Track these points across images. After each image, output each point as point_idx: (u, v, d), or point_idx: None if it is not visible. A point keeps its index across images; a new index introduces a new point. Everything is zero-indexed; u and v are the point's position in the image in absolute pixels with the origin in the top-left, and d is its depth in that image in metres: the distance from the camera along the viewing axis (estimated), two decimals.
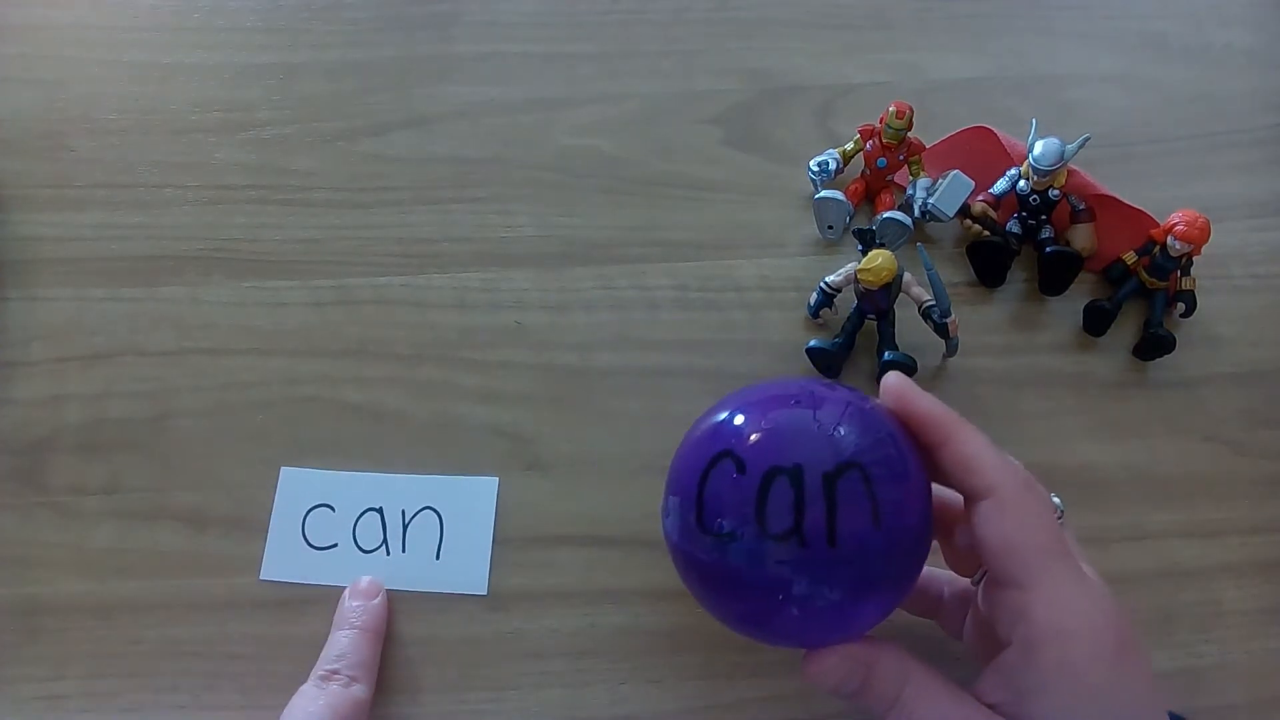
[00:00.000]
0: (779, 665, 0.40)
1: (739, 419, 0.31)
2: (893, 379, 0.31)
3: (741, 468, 0.29)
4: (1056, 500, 0.32)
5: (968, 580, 0.35)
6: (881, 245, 0.44)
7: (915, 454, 0.31)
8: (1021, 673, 0.27)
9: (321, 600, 0.41)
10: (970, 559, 0.33)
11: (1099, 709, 0.26)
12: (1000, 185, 0.48)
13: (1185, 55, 0.57)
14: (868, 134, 0.50)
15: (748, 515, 0.28)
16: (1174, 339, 0.46)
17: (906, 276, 0.44)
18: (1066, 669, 0.26)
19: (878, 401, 0.32)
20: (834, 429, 0.30)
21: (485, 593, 0.41)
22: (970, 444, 0.29)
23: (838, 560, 0.28)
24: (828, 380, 0.33)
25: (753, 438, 0.30)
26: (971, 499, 0.29)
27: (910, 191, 0.50)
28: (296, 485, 0.43)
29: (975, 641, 0.34)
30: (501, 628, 0.41)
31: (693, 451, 0.31)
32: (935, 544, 0.34)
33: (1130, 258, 0.47)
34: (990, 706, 0.28)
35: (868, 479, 0.28)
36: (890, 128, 0.48)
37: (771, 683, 0.40)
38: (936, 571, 0.36)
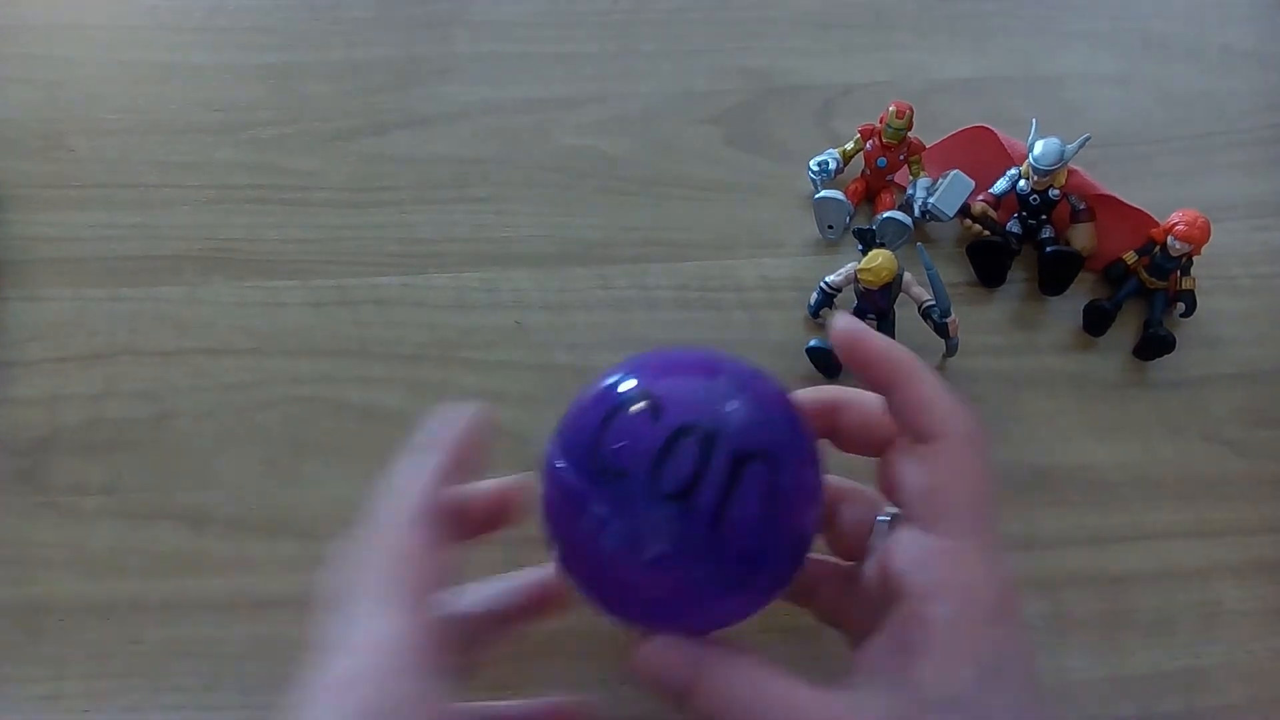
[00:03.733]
0: (779, 665, 0.40)
1: (663, 373, 0.30)
2: (843, 321, 0.30)
3: (657, 415, 0.27)
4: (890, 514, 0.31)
5: (843, 563, 0.33)
6: (881, 245, 0.44)
7: (818, 452, 0.30)
8: (912, 628, 0.26)
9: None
10: (855, 540, 0.32)
11: (982, 671, 0.25)
12: (1000, 185, 0.48)
13: (1185, 55, 0.57)
14: (868, 134, 0.50)
15: (644, 461, 0.27)
16: (1174, 339, 0.46)
17: (906, 276, 0.44)
18: (960, 625, 0.25)
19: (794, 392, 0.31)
20: (756, 409, 0.28)
21: None
22: (924, 386, 0.29)
23: (717, 542, 0.27)
24: (743, 360, 0.31)
25: (675, 391, 0.28)
26: (916, 439, 0.29)
27: (910, 191, 0.50)
28: None
29: (856, 623, 0.31)
30: None
31: (607, 390, 0.29)
32: None
33: (1130, 258, 0.47)
34: (867, 676, 0.27)
35: (775, 471, 0.27)
36: (890, 127, 0.48)
37: None
38: (812, 557, 0.35)
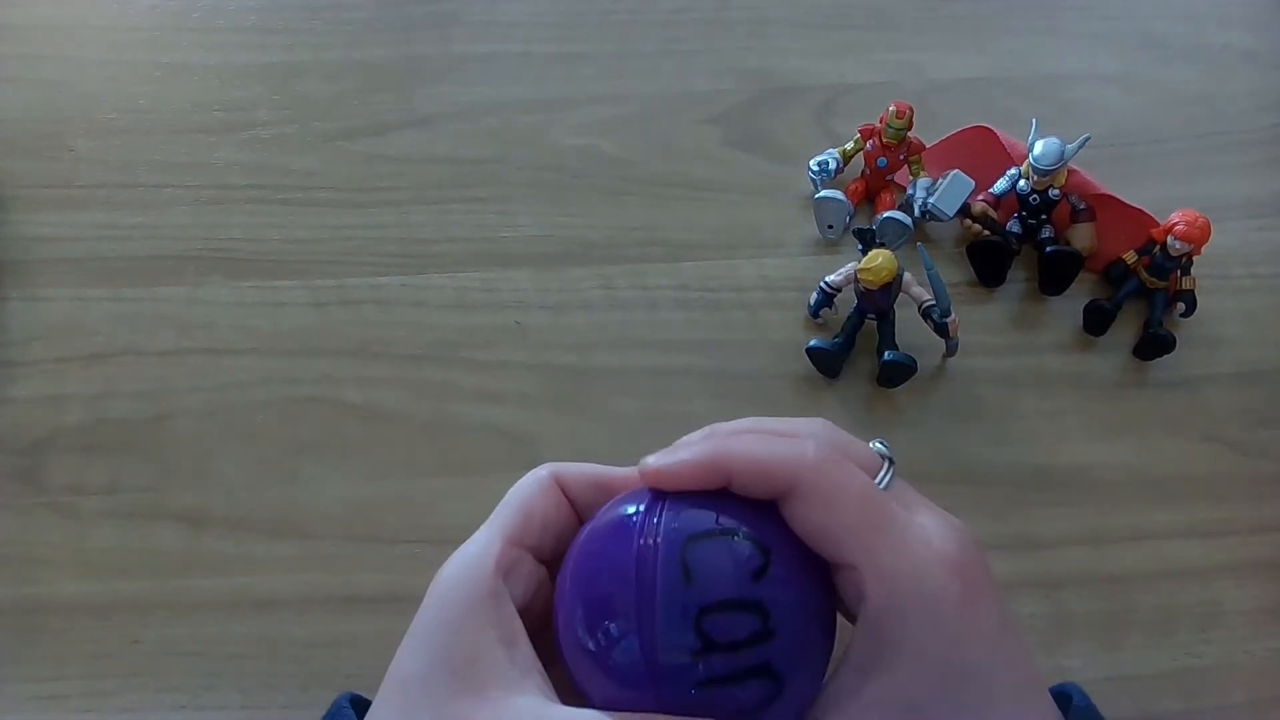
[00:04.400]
0: None
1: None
2: (647, 463, 0.27)
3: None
4: (879, 446, 0.29)
5: None
6: (881, 245, 0.44)
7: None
8: (870, 655, 0.25)
9: (322, 601, 0.41)
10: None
11: (952, 668, 0.24)
12: (1000, 185, 0.48)
13: (1185, 55, 0.57)
14: (868, 134, 0.50)
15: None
16: (1174, 339, 0.46)
17: (906, 276, 0.44)
18: (909, 644, 0.24)
19: None
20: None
21: None
22: (748, 453, 0.26)
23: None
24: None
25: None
26: (778, 498, 0.26)
27: (910, 191, 0.50)
28: None
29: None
30: None
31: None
32: None
33: (1130, 258, 0.47)
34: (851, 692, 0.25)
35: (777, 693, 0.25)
36: (890, 127, 0.48)
37: None
38: None
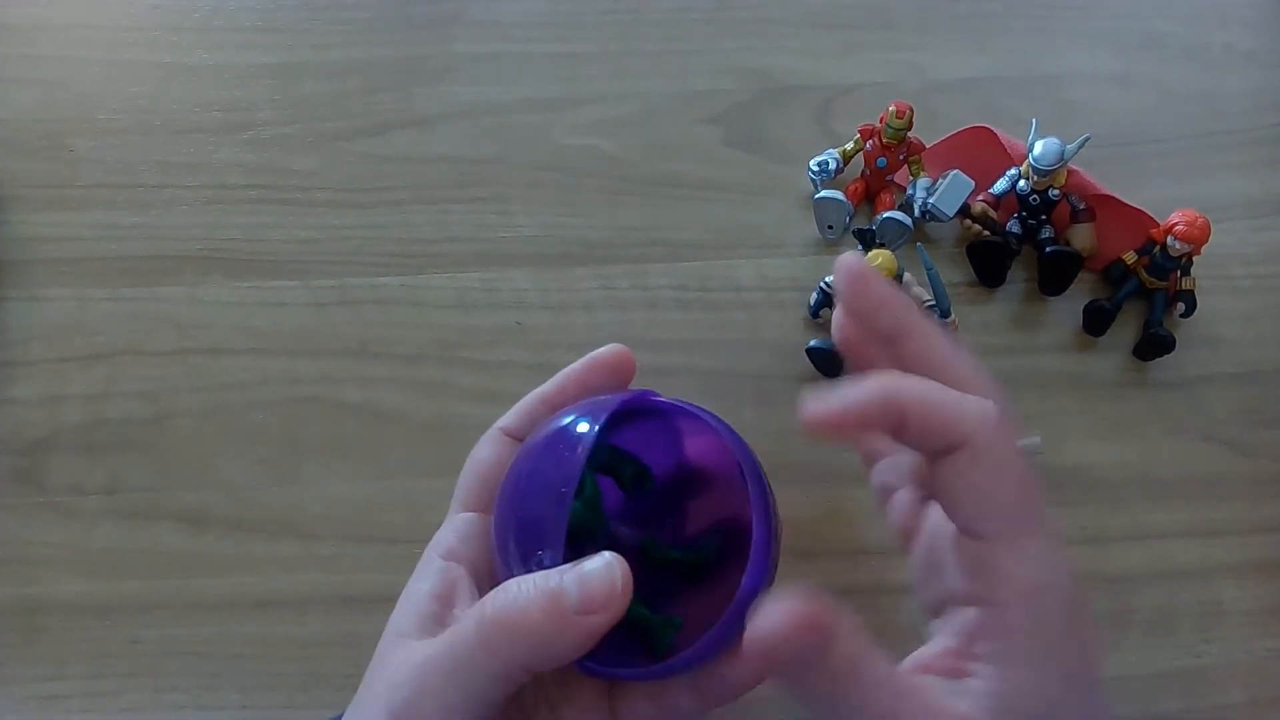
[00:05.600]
0: None
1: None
2: (850, 259, 0.27)
3: None
4: (1037, 440, 0.30)
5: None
6: (881, 245, 0.44)
7: None
8: (988, 633, 0.24)
9: (322, 601, 0.41)
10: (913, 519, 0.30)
11: (1061, 667, 0.24)
12: (1000, 185, 0.48)
13: (1185, 55, 0.57)
14: (868, 134, 0.50)
15: None
16: (1174, 339, 0.46)
17: (906, 276, 0.44)
18: (1040, 628, 0.24)
19: None
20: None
21: None
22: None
23: None
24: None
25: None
26: (941, 451, 0.25)
27: (910, 191, 0.50)
28: None
29: (922, 575, 0.29)
30: None
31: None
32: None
33: (1130, 258, 0.47)
34: (946, 672, 0.25)
35: None
36: (890, 127, 0.48)
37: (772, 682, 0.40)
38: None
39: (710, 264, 0.49)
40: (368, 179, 0.51)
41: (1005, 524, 0.25)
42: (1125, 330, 0.48)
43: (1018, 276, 0.49)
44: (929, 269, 0.43)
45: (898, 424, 0.25)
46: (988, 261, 0.48)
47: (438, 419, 0.45)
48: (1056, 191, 0.47)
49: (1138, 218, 0.47)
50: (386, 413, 0.45)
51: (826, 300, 0.46)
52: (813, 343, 0.46)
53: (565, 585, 0.25)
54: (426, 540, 0.41)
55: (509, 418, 0.33)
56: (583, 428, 0.28)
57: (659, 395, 0.31)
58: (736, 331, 0.47)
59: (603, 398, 0.30)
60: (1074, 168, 0.47)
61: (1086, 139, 0.46)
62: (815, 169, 0.50)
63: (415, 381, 0.46)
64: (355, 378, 0.46)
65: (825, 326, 0.47)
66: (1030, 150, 0.46)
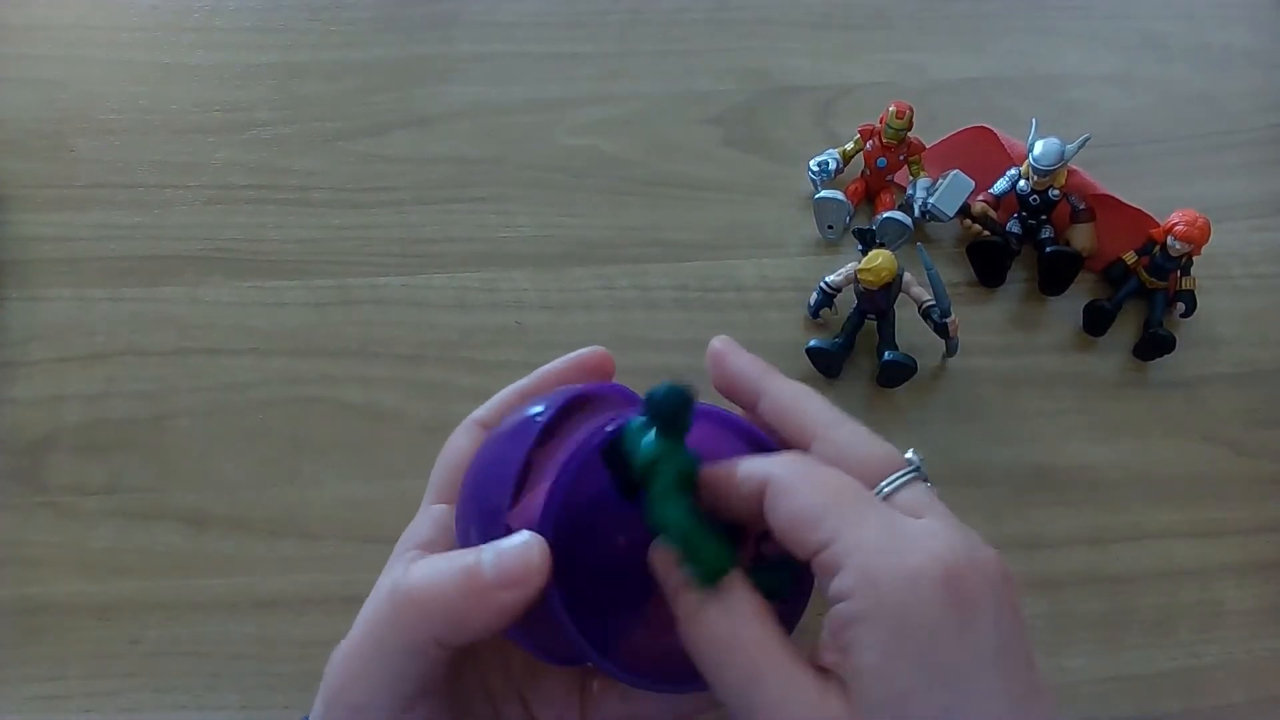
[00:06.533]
0: None
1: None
2: (716, 343, 0.30)
3: None
4: (911, 456, 0.29)
5: None
6: (881, 245, 0.44)
7: None
8: (844, 630, 0.23)
9: (322, 601, 0.41)
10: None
11: (915, 682, 0.22)
12: (1000, 185, 0.48)
13: (1185, 55, 0.57)
14: (868, 134, 0.50)
15: None
16: (1174, 339, 0.46)
17: (906, 276, 0.44)
18: (883, 621, 0.23)
19: None
20: None
21: None
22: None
23: None
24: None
25: None
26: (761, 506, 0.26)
27: (910, 191, 0.50)
28: None
29: None
30: None
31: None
32: None
33: (1130, 258, 0.47)
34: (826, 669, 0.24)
35: None
36: (890, 128, 0.48)
37: None
38: None
39: (710, 264, 0.49)
40: (368, 179, 0.51)
41: (827, 526, 0.24)
42: (1125, 330, 0.48)
43: (1018, 276, 0.49)
44: (929, 269, 0.43)
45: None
46: (988, 261, 0.48)
47: (438, 419, 0.45)
48: (1056, 191, 0.47)
49: (1138, 218, 0.47)
50: (386, 413, 0.45)
51: (826, 300, 0.46)
52: (812, 342, 0.46)
53: (481, 561, 0.26)
54: None
55: (483, 410, 0.33)
56: (537, 412, 0.28)
57: (630, 390, 0.31)
58: (736, 331, 0.47)
59: (568, 386, 0.30)
60: (1074, 168, 0.47)
61: (1086, 139, 0.46)
62: (815, 169, 0.50)
63: (415, 381, 0.46)
64: (355, 378, 0.46)
65: (825, 326, 0.47)
66: (1030, 150, 0.46)
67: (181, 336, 0.47)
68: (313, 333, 0.47)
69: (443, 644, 0.26)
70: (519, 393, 0.33)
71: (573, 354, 0.33)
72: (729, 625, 0.24)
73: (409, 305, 0.48)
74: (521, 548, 0.26)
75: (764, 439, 0.29)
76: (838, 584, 0.23)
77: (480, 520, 0.28)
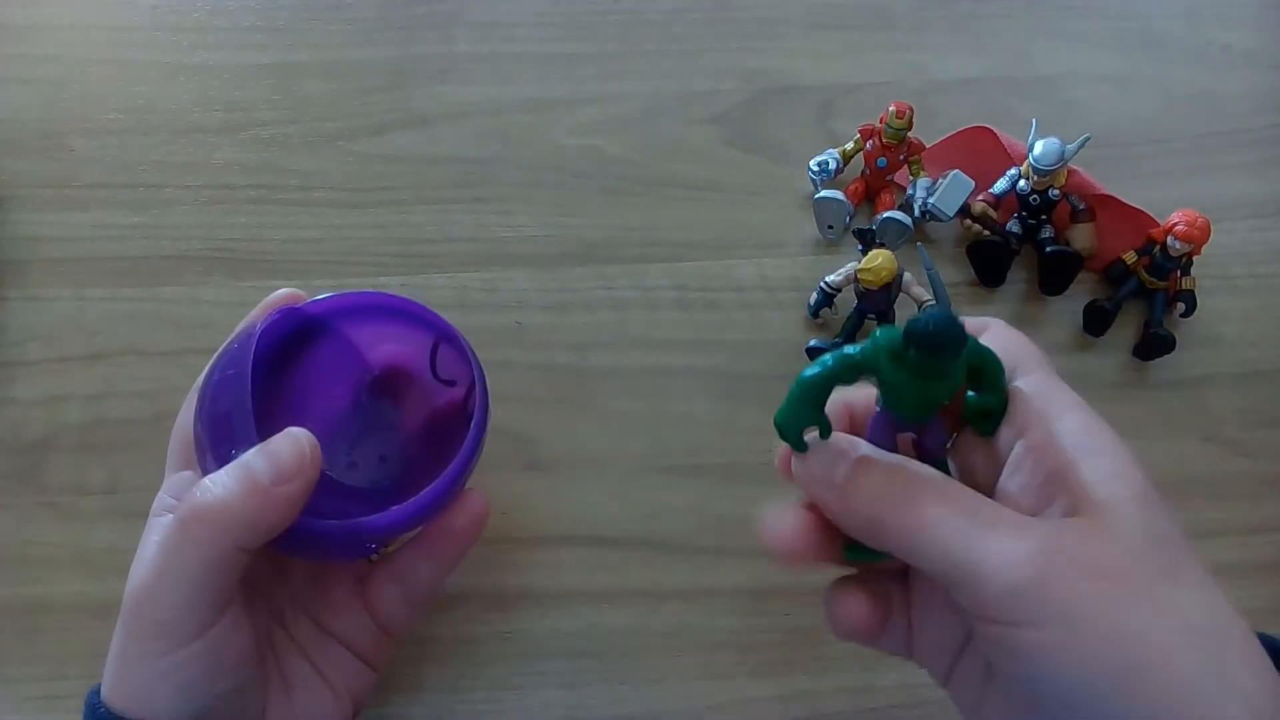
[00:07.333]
0: (780, 665, 0.40)
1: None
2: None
3: None
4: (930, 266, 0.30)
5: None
6: (881, 245, 0.44)
7: None
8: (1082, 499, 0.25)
9: None
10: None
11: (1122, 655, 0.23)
12: (1000, 185, 0.48)
13: (1185, 55, 0.57)
14: (868, 134, 0.50)
15: None
16: (1174, 339, 0.46)
17: (906, 276, 0.44)
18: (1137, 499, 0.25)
19: None
20: None
21: None
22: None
23: None
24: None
25: None
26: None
27: (910, 191, 0.50)
28: None
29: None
30: (501, 628, 0.41)
31: None
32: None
33: (1130, 258, 0.47)
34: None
35: None
36: (890, 127, 0.48)
37: (772, 683, 0.40)
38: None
39: (710, 264, 0.49)
40: (368, 179, 0.51)
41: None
42: (1125, 330, 0.48)
43: (1018, 276, 0.49)
44: (929, 269, 0.43)
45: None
46: (988, 261, 0.48)
47: None
48: (1056, 191, 0.47)
49: (1138, 218, 0.47)
50: None
51: (826, 300, 0.46)
52: (812, 342, 0.46)
53: (256, 464, 0.28)
54: None
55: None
56: (249, 326, 0.34)
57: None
58: (736, 331, 0.47)
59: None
60: (1074, 168, 0.47)
61: (1086, 139, 0.46)
62: (815, 169, 0.50)
63: None
64: None
65: (825, 326, 0.47)
66: (1030, 150, 0.46)
67: (181, 336, 0.47)
68: None
69: (243, 548, 0.28)
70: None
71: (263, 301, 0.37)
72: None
73: None
74: (291, 442, 0.29)
75: (441, 323, 0.36)
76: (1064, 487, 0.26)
77: (214, 434, 0.31)
